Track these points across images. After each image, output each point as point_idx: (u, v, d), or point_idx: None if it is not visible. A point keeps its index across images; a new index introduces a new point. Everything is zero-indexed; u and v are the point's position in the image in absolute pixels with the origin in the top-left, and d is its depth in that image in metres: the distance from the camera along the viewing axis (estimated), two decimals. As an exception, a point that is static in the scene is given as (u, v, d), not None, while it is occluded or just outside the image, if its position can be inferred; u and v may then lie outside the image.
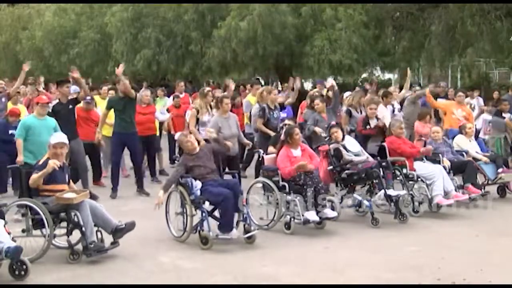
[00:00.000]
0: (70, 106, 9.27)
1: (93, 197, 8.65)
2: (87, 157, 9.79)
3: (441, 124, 10.98)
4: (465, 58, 17.84)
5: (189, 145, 7.12)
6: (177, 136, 7.52)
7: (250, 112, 10.57)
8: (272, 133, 9.38)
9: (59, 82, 9.60)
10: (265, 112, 9.63)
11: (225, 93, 11.52)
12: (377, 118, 9.42)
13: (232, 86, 11.25)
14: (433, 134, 9.11)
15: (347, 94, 11.52)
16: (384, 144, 8.59)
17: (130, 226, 6.38)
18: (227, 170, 8.13)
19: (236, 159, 9.07)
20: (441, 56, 16.29)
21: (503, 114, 11.54)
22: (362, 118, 9.49)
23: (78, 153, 9.24)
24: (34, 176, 6.17)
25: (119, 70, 9.42)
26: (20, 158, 7.98)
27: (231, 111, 9.31)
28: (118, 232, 6.30)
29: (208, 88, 10.79)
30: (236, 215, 6.76)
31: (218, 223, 6.75)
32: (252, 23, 16.09)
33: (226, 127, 8.75)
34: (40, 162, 6.37)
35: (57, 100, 9.35)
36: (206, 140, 8.33)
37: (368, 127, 9.24)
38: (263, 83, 22.24)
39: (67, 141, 6.59)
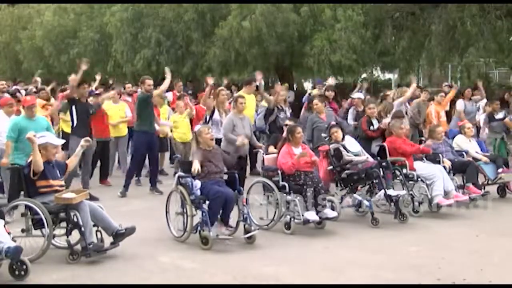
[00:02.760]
0: (91, 111, 9.36)
1: (92, 198, 8.72)
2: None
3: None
4: (466, 58, 17.84)
5: (208, 137, 7.11)
6: (197, 127, 7.51)
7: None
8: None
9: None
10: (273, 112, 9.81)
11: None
12: (377, 120, 9.43)
13: (210, 82, 11.13)
14: (438, 135, 9.11)
15: (357, 94, 11.46)
16: (384, 144, 8.60)
17: (131, 231, 6.37)
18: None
19: (244, 160, 9.06)
20: (441, 56, 16.28)
21: (495, 116, 11.53)
22: (365, 119, 9.49)
23: (88, 156, 9.36)
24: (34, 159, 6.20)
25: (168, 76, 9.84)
26: (6, 161, 7.80)
27: None
28: (118, 236, 6.30)
29: (220, 88, 10.79)
30: (232, 218, 6.79)
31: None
32: (255, 22, 16.08)
33: (240, 127, 8.70)
34: (29, 159, 6.38)
35: (76, 97, 9.34)
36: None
37: (371, 127, 9.29)
38: (263, 83, 22.21)
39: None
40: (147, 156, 10.10)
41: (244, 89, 11.00)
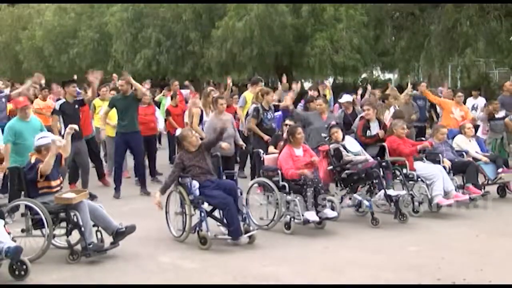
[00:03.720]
0: (76, 106, 9.34)
1: (91, 196, 8.71)
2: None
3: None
4: (463, 58, 17.88)
5: (193, 139, 7.08)
6: (179, 131, 7.51)
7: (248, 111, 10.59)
8: (265, 136, 9.36)
9: (65, 82, 9.62)
10: (259, 113, 9.59)
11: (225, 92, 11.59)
12: (379, 121, 9.26)
13: (229, 83, 11.35)
14: (441, 136, 9.10)
15: (345, 98, 11.37)
16: (384, 144, 8.59)
17: (131, 230, 6.37)
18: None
19: (232, 159, 9.07)
20: (440, 56, 16.29)
21: (496, 115, 11.52)
22: (362, 123, 9.25)
23: (83, 153, 9.39)
24: (46, 162, 6.17)
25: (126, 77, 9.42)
26: (7, 164, 7.77)
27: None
28: (118, 235, 6.30)
29: (210, 88, 10.80)
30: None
31: (227, 230, 6.71)
32: (249, 23, 16.07)
33: None
34: (32, 161, 6.35)
35: (64, 100, 9.35)
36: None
37: (368, 132, 9.11)
38: (263, 83, 22.19)
39: None
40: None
41: (251, 89, 11.03)
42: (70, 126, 6.94)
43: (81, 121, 9.90)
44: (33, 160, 6.32)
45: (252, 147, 9.52)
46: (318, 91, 12.44)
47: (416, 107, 12.00)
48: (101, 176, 10.51)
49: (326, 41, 16.36)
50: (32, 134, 7.70)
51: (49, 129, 8.79)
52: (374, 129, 9.12)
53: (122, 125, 9.51)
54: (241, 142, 9.25)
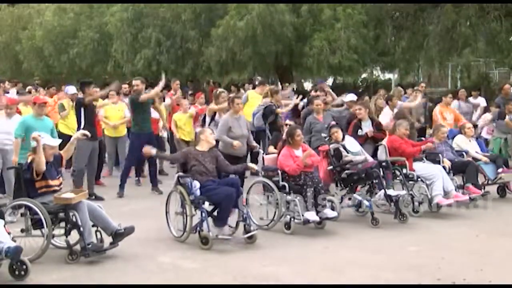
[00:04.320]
0: (96, 111, 9.53)
1: (97, 198, 8.72)
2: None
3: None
4: (461, 58, 17.92)
5: (211, 136, 7.16)
6: (199, 128, 7.57)
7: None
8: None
9: (84, 83, 9.55)
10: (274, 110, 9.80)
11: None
12: (372, 120, 9.28)
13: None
14: (441, 135, 9.10)
15: (349, 97, 11.36)
16: (383, 143, 8.59)
17: (130, 231, 6.36)
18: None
19: (243, 160, 9.05)
20: (439, 56, 16.30)
21: (507, 116, 11.49)
22: (354, 123, 9.34)
23: (95, 154, 9.40)
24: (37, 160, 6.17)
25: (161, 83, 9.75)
26: (16, 159, 7.85)
27: None
28: (117, 236, 6.29)
29: (220, 90, 10.85)
30: (236, 212, 6.76)
31: (230, 228, 6.74)
32: (251, 22, 16.07)
33: (237, 127, 8.68)
34: (29, 161, 6.34)
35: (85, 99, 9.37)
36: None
37: (360, 131, 9.13)
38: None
39: None
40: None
41: (257, 89, 11.12)
42: (82, 132, 7.05)
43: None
44: (29, 160, 6.33)
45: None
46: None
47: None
48: (97, 177, 10.51)
49: (323, 41, 16.35)
50: (44, 132, 7.74)
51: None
52: (366, 128, 9.19)
53: (142, 125, 9.57)
54: (254, 143, 9.12)
